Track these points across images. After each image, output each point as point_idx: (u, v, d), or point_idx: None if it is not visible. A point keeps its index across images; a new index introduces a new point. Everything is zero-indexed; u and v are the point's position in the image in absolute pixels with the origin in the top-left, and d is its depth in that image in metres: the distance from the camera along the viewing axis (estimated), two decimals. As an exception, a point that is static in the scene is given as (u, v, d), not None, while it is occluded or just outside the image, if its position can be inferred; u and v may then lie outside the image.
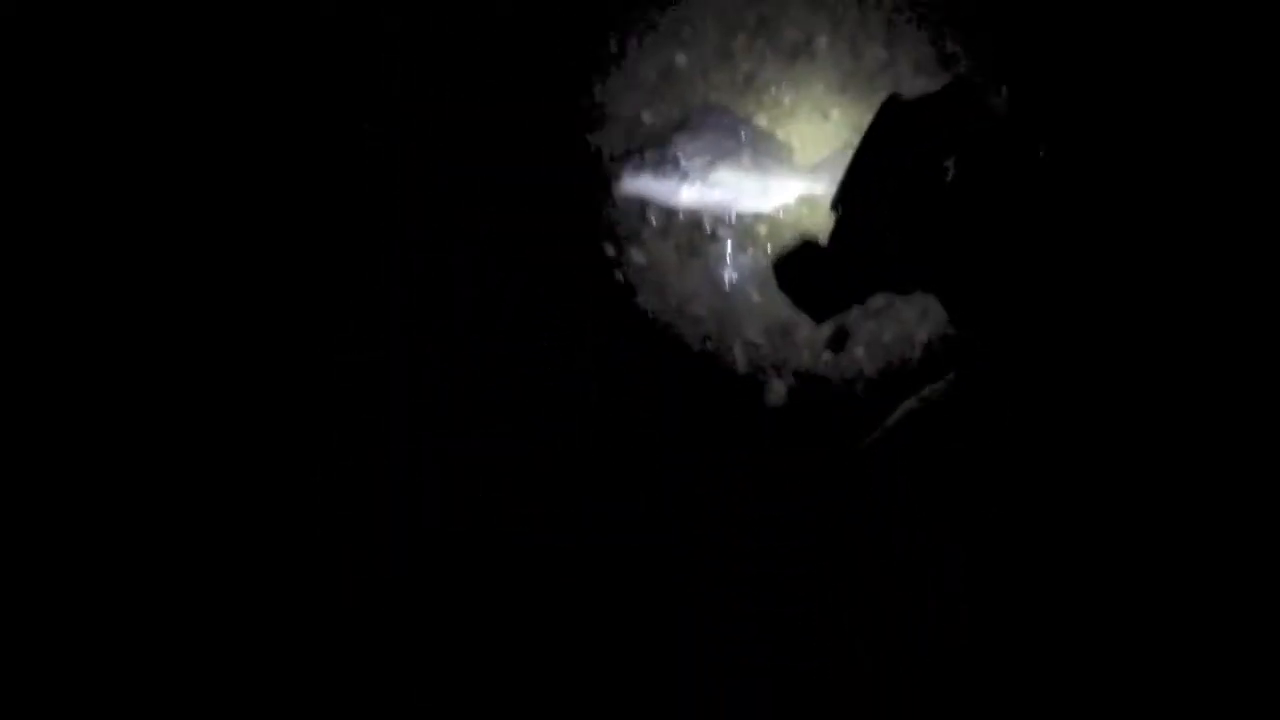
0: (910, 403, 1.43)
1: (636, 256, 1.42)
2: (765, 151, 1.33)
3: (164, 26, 2.04)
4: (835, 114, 1.40)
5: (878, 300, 1.48)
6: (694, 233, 1.38)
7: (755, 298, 1.34)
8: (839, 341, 1.40)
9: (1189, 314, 1.95)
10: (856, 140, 1.34)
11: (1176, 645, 1.74)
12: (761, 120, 1.39)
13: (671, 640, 1.89)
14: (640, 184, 1.37)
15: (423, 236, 2.13)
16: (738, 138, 1.33)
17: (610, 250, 1.43)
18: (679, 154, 1.34)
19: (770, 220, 1.36)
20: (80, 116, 2.01)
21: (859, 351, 1.43)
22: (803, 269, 1.35)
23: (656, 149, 1.36)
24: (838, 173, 1.32)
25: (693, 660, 1.87)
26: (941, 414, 2.00)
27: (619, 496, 1.96)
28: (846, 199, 1.37)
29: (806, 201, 1.33)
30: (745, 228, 1.36)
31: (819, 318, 1.38)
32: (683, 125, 1.37)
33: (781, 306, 1.35)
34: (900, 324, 1.54)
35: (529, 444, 2.00)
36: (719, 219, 1.37)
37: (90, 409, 1.93)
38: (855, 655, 1.81)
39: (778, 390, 1.39)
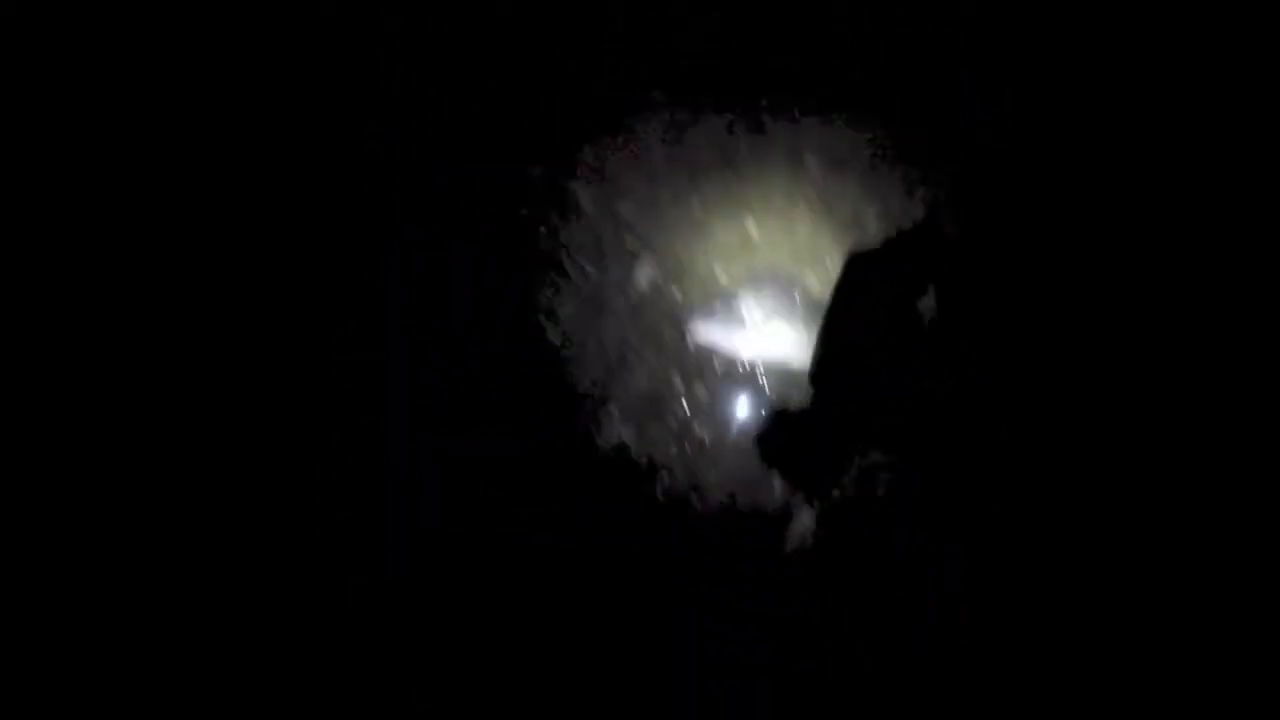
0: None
1: (700, 392, 1.61)
2: (817, 313, 1.57)
3: (165, 27, 2.04)
4: (879, 283, 1.68)
5: (900, 447, 1.72)
6: (752, 378, 1.60)
7: (796, 437, 1.56)
8: (867, 481, 1.57)
9: (1175, 324, 1.96)
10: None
11: (1174, 644, 1.75)
12: (814, 285, 1.63)
13: (672, 640, 1.89)
14: (710, 332, 1.59)
15: (423, 236, 2.14)
16: (794, 300, 1.58)
17: (678, 384, 1.62)
18: (744, 309, 1.58)
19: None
20: (81, 117, 2.01)
21: (880, 490, 1.64)
22: (841, 416, 1.53)
23: (725, 303, 1.59)
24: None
25: (693, 660, 1.87)
26: (942, 421, 2.02)
27: (619, 496, 1.97)
28: (822, 372, 1.56)
29: None
30: (794, 377, 1.57)
31: (850, 458, 1.54)
32: (750, 284, 1.61)
33: (820, 446, 1.54)
34: (918, 470, 1.84)
35: (529, 444, 2.00)
36: (773, 367, 1.58)
37: (91, 409, 1.93)
38: (855, 655, 1.81)
39: (806, 518, 1.57)
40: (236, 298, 2.03)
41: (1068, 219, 2.06)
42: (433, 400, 2.05)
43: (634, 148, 1.76)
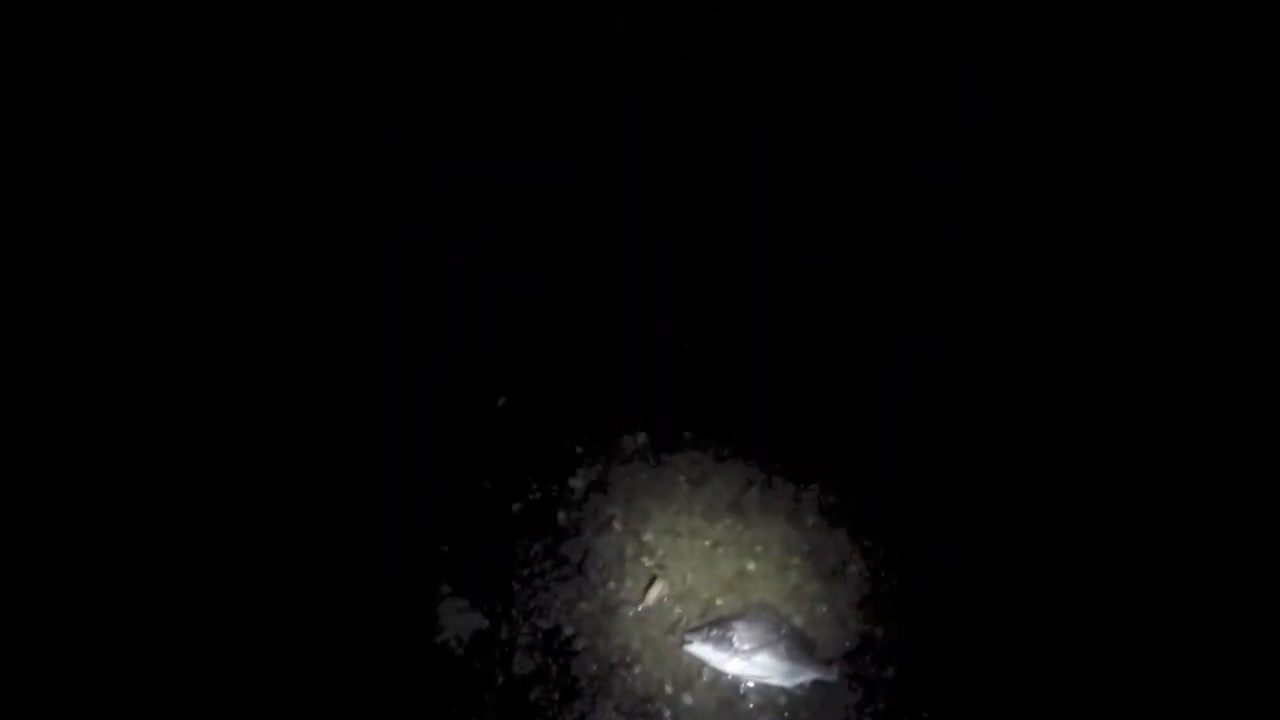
0: None
1: (685, 699, 1.84)
2: (796, 644, 1.82)
3: (165, 28, 2.04)
4: (852, 624, 1.90)
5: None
6: (733, 692, 1.84)
7: None
8: None
9: (1174, 323, 1.97)
10: (868, 646, 1.87)
11: (1174, 644, 1.75)
12: (798, 620, 1.88)
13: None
14: (703, 649, 1.82)
15: (423, 236, 2.14)
16: (778, 631, 1.83)
17: (668, 689, 1.85)
18: (734, 634, 1.81)
19: (790, 693, 1.82)
20: (81, 118, 2.01)
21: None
22: None
23: (720, 627, 1.82)
24: (848, 667, 1.83)
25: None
26: (942, 421, 2.03)
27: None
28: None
29: (819, 684, 1.81)
30: (770, 697, 1.83)
31: None
32: (743, 614, 1.85)
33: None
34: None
35: (529, 444, 2.01)
36: (753, 687, 1.83)
37: (91, 409, 1.93)
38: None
39: None
40: (237, 298, 2.03)
41: (1067, 219, 2.07)
42: (433, 400, 2.05)
43: (663, 482, 2.08)
